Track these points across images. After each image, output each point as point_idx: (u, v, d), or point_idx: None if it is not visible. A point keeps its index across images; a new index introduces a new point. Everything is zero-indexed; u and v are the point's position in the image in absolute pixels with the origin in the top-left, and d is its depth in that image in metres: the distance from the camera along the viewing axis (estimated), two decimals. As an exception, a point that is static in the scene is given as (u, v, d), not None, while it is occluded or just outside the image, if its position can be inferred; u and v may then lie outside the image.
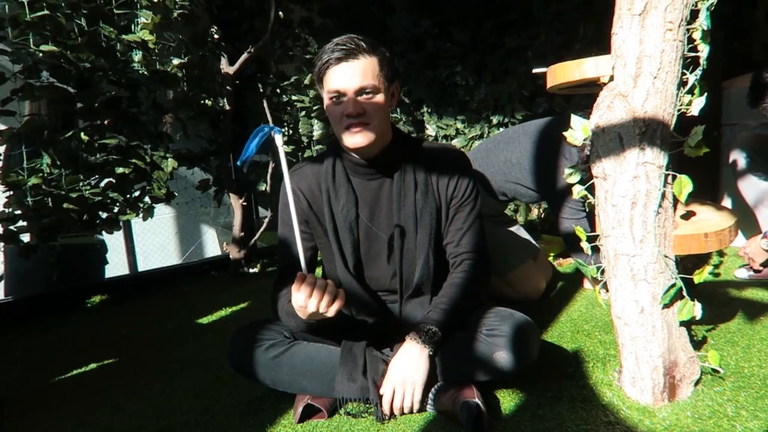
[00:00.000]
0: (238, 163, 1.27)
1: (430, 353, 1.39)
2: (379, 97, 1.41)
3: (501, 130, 3.39)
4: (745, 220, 2.43)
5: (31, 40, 2.38)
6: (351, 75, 1.37)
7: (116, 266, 3.32)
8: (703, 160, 1.41)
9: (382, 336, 1.52)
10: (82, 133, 2.55)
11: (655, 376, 1.36)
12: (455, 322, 1.46)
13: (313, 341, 1.51)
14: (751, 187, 2.31)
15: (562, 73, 1.46)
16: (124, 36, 2.63)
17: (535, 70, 2.14)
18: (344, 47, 1.37)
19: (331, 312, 1.30)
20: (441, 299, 1.48)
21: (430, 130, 3.76)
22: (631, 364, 1.40)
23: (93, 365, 1.99)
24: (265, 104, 3.10)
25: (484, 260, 1.56)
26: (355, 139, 1.40)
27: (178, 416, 1.55)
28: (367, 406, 1.43)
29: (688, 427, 1.27)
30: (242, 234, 3.15)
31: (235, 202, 3.15)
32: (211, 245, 4.99)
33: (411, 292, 1.54)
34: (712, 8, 1.25)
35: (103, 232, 2.77)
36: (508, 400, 1.46)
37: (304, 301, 1.27)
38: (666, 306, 1.34)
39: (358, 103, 1.38)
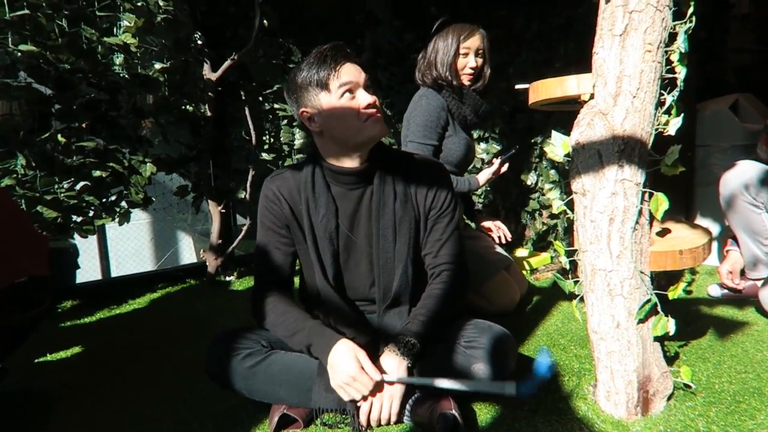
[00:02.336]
0: None
1: (409, 365, 1.39)
2: None
3: (482, 144, 3.43)
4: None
5: (9, 39, 2.34)
6: (358, 71, 1.43)
7: (88, 271, 3.23)
8: (677, 179, 1.45)
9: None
10: (59, 135, 2.51)
11: (629, 391, 1.38)
12: (434, 334, 1.46)
13: (291, 350, 1.50)
14: (742, 219, 2.20)
15: (544, 90, 1.48)
16: (105, 38, 2.60)
17: (517, 86, 2.17)
18: (341, 51, 1.42)
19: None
20: (420, 310, 1.49)
21: (411, 143, 3.78)
22: (606, 378, 1.42)
23: (61, 373, 1.94)
24: (247, 112, 3.09)
25: (462, 271, 1.57)
26: (378, 127, 1.44)
27: (150, 426, 1.52)
28: (344, 416, 1.42)
29: (660, 442, 1.29)
30: (220, 241, 3.12)
31: (214, 209, 3.12)
32: (188, 252, 4.90)
33: (389, 302, 1.54)
34: (690, 32, 1.29)
35: (76, 236, 2.71)
36: (484, 413, 1.47)
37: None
38: (641, 321, 1.37)
39: (373, 94, 1.44)
